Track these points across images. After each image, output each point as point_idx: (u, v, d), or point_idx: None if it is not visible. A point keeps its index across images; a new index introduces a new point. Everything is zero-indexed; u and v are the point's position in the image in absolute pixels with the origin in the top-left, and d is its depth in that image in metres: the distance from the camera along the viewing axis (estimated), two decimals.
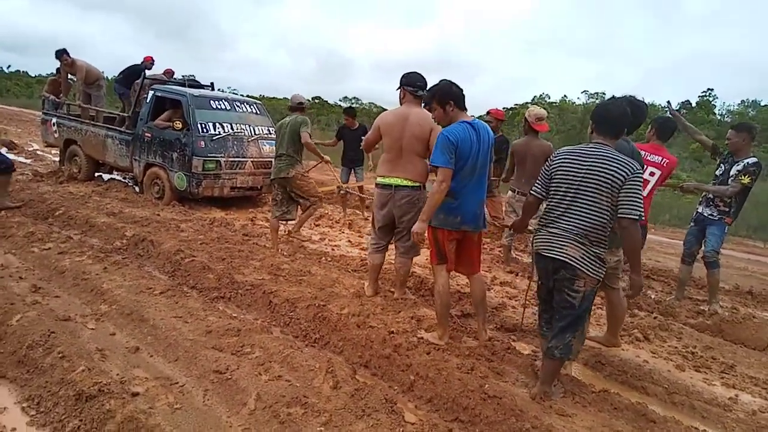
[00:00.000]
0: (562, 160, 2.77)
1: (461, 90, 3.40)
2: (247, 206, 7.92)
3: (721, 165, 4.84)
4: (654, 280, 5.99)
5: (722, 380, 3.51)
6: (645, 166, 3.94)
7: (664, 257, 7.32)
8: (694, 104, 57.88)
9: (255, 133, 7.80)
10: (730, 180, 4.66)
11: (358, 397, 2.71)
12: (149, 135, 7.61)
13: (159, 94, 7.76)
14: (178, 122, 7.24)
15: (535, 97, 58.26)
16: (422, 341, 3.39)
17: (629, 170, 2.56)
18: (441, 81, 3.42)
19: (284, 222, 5.99)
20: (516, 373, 3.22)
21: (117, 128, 8.18)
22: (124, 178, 9.12)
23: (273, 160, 5.95)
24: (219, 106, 7.72)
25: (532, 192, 2.91)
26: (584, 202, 2.66)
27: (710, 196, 4.86)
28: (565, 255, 2.69)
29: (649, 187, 3.90)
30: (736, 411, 3.10)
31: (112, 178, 9.08)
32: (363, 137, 5.04)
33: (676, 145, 36.91)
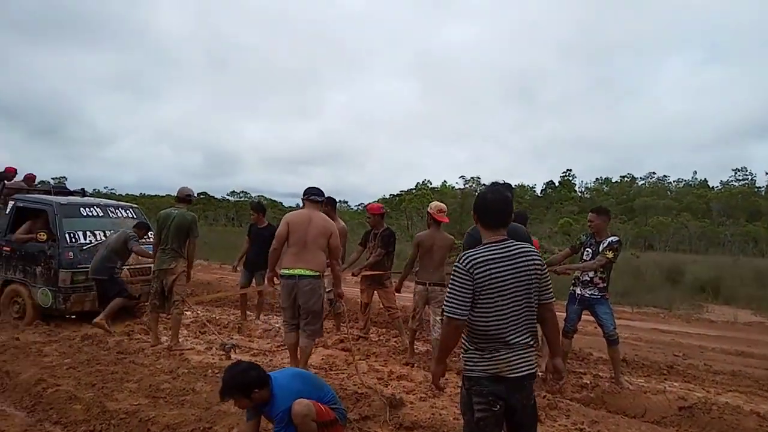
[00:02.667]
0: (486, 270, 2.37)
1: None
2: (124, 318, 7.30)
3: (587, 249, 5.28)
4: (538, 356, 6.24)
5: None
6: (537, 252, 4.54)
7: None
8: (557, 183, 64.21)
9: None
10: (597, 256, 5.10)
11: None
12: (8, 249, 6.95)
13: (21, 205, 7.19)
14: (42, 233, 6.69)
15: (418, 183, 61.62)
16: None
17: (539, 256, 2.57)
18: None
19: (164, 314, 6.08)
20: None
21: None
22: None
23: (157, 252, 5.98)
24: (90, 213, 7.30)
25: (458, 317, 2.35)
26: (524, 305, 2.43)
27: (587, 278, 5.20)
28: (533, 366, 2.46)
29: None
30: None
31: None
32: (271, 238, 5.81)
33: (547, 221, 40.44)
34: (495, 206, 2.52)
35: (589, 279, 5.22)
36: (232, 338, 6.39)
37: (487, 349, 2.40)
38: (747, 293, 12.15)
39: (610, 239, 5.13)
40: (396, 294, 6.45)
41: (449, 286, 2.42)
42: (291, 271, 4.68)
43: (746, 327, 9.20)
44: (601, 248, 5.12)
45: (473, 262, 2.38)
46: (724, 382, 5.50)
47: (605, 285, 5.20)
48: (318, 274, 4.74)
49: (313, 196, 4.96)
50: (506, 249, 2.45)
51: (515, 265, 2.42)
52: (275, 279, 5.02)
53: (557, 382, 3.04)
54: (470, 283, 2.36)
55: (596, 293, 5.18)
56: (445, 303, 2.41)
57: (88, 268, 6.68)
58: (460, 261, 2.41)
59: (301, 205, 5.15)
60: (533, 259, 2.48)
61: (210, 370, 5.05)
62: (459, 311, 2.35)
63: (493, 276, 2.37)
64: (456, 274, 2.40)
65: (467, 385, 2.48)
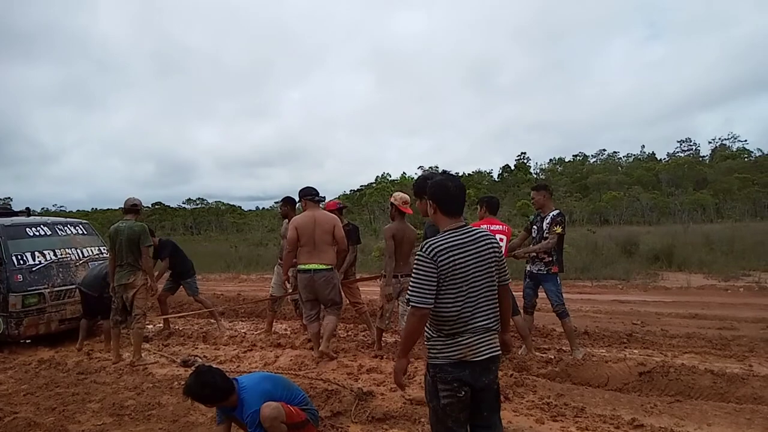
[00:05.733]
0: (450, 256, 2.39)
1: None
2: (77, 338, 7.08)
3: (533, 227, 5.48)
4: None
5: (577, 425, 3.74)
6: (494, 235, 4.84)
7: None
8: (512, 167, 65.39)
9: (83, 256, 7.18)
10: (545, 234, 5.28)
11: None
12: None
13: None
14: None
15: (377, 177, 61.76)
16: None
17: (496, 239, 2.62)
18: None
19: (125, 329, 5.96)
20: None
21: None
22: None
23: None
24: (37, 233, 7.03)
25: (424, 305, 2.36)
26: (486, 289, 2.48)
27: (533, 253, 5.36)
28: (496, 349, 2.51)
29: (503, 251, 4.72)
30: None
31: None
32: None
33: (506, 204, 41.15)
34: (456, 193, 2.53)
35: (534, 254, 5.37)
36: (196, 348, 6.28)
37: (451, 335, 2.41)
38: (698, 258, 12.67)
39: (551, 214, 5.31)
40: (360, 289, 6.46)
41: (413, 275, 2.42)
42: (307, 266, 5.28)
43: (699, 291, 9.60)
44: (545, 224, 5.29)
45: (436, 249, 2.38)
46: (680, 345, 5.72)
47: (551, 259, 5.32)
48: (330, 267, 5.34)
49: (317, 197, 5.49)
50: (467, 234, 2.48)
51: (477, 250, 2.46)
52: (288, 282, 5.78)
53: (505, 356, 3.13)
54: (434, 270, 2.36)
55: (542, 268, 5.33)
56: (409, 292, 2.41)
57: (39, 290, 6.45)
58: (423, 250, 2.41)
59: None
60: (493, 243, 2.53)
61: (176, 383, 4.93)
62: (425, 299, 2.35)
63: (456, 262, 2.39)
64: (420, 262, 2.40)
65: (432, 372, 2.49)
